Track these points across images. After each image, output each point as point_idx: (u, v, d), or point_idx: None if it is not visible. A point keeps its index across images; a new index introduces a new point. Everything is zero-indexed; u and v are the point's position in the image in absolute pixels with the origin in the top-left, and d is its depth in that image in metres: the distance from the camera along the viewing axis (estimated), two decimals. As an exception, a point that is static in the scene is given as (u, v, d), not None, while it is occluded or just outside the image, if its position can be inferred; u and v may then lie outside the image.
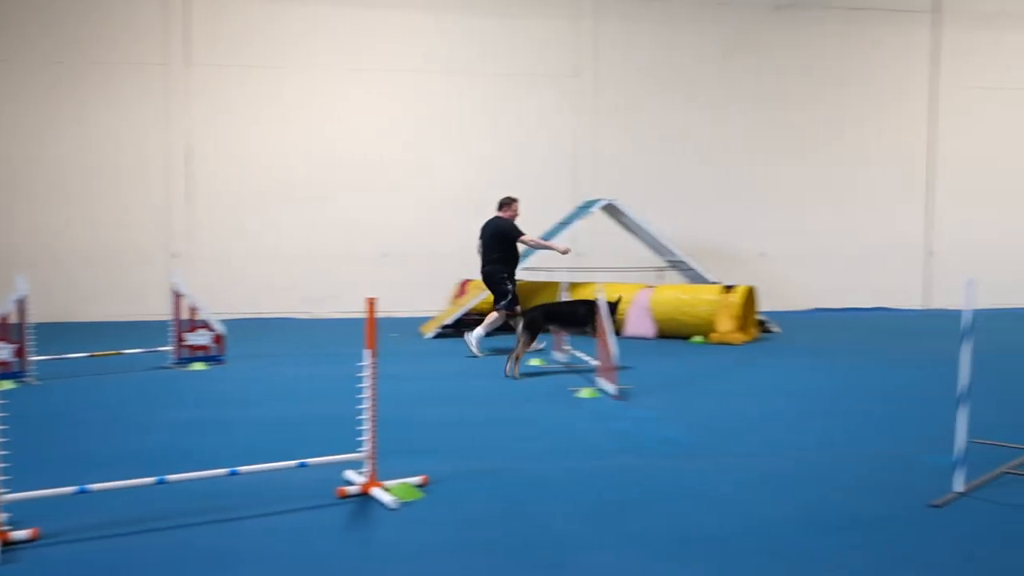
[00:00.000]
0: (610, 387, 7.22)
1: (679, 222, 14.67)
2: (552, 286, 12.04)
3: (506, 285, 9.86)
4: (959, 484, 4.46)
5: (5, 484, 3.77)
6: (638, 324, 11.37)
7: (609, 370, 7.29)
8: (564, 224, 12.26)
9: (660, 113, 15.36)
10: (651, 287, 11.66)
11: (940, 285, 16.19)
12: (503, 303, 9.82)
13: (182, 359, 8.96)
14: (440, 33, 14.73)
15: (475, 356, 9.72)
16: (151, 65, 13.96)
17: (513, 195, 10.31)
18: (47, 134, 13.83)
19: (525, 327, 8.57)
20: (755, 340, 11.19)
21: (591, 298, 8.58)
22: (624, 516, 4.18)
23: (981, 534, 3.91)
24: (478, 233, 10.24)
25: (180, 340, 8.98)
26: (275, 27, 14.30)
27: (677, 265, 12.81)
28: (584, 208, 12.43)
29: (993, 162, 16.35)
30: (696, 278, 12.46)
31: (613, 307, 8.73)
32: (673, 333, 11.26)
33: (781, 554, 3.67)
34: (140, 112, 14.01)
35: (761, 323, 11.84)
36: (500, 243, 9.98)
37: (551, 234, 12.06)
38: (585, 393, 7.27)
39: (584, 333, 8.69)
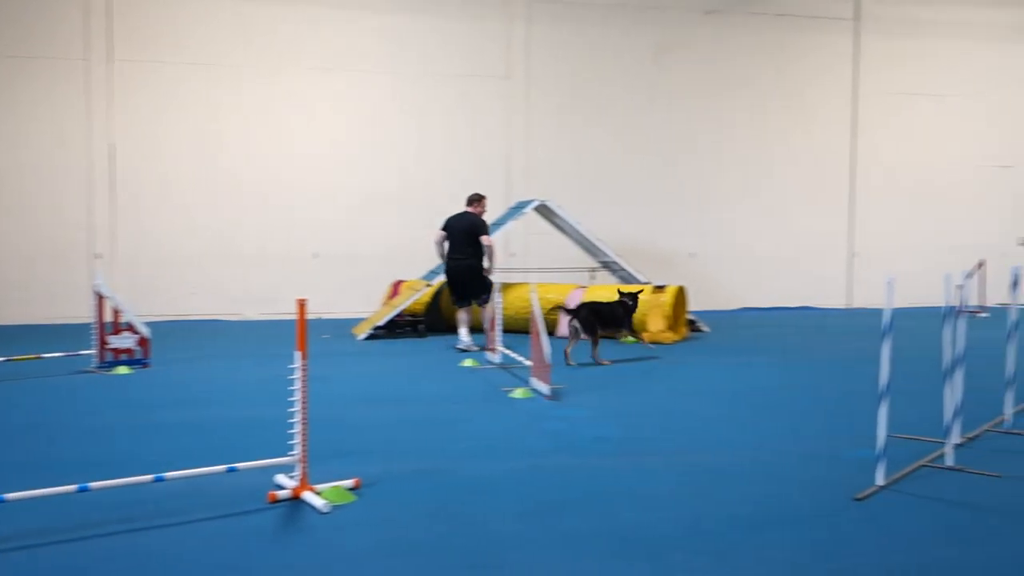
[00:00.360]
0: (543, 387, 7.25)
1: (611, 223, 14.82)
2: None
3: (487, 279, 10.22)
4: (880, 478, 4.60)
5: (-85, 495, 3.62)
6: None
7: (542, 370, 7.32)
8: (497, 225, 12.28)
9: (592, 115, 15.50)
10: (583, 287, 11.76)
11: (862, 284, 16.69)
12: (486, 296, 10.13)
13: (105, 363, 8.71)
14: (373, 33, 14.62)
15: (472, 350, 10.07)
16: (72, 60, 13.54)
17: (481, 192, 10.77)
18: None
19: (584, 326, 8.98)
20: (685, 339, 11.37)
21: (632, 292, 9.52)
22: (559, 515, 4.20)
23: (899, 526, 4.04)
24: (440, 225, 10.47)
25: (103, 343, 8.73)
26: (202, 24, 14.02)
27: (609, 265, 12.94)
28: (517, 209, 12.48)
29: (912, 165, 16.92)
30: (628, 278, 12.60)
31: (635, 299, 9.16)
32: (606, 333, 11.35)
33: (712, 551, 3.73)
34: (61, 108, 13.59)
35: (691, 322, 12.03)
36: (471, 238, 10.26)
37: (484, 235, 12.07)
38: (518, 393, 7.28)
39: (619, 333, 9.50)
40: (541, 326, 7.28)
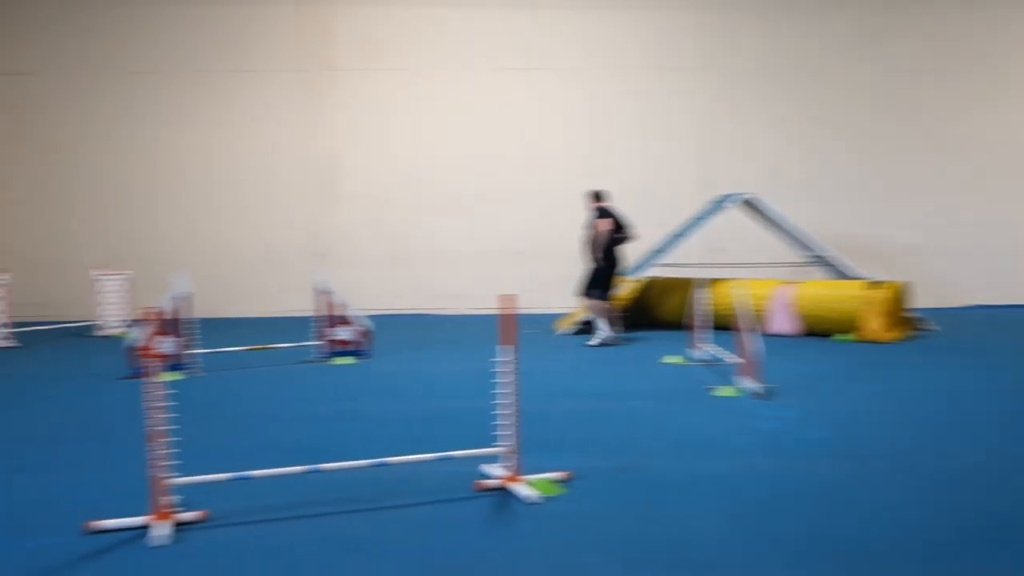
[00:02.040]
0: (751, 385, 7.05)
1: (821, 215, 14.15)
2: (689, 282, 11.86)
3: None
4: None
5: (174, 469, 4.03)
6: (780, 321, 11.05)
7: (750, 367, 7.12)
8: (699, 220, 12.05)
9: (796, 103, 14.83)
10: (793, 283, 11.31)
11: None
12: None
13: (329, 353, 9.33)
14: (568, 29, 14.73)
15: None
16: (290, 72, 14.56)
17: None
18: (190, 139, 14.65)
19: None
20: (907, 338, 10.67)
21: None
22: (767, 519, 4.08)
23: None
24: (594, 216, 10.59)
25: (326, 335, 9.35)
26: (406, 30, 14.65)
27: (821, 260, 12.37)
28: (719, 203, 12.18)
29: None
30: (841, 273, 11.99)
31: None
32: (817, 330, 10.89)
33: (937, 564, 3.49)
34: (281, 118, 14.64)
35: (914, 320, 11.28)
36: None
37: (685, 231, 11.89)
38: (725, 391, 7.12)
39: None
40: (748, 322, 7.08)
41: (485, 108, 14.79)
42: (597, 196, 10.77)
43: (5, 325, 10.93)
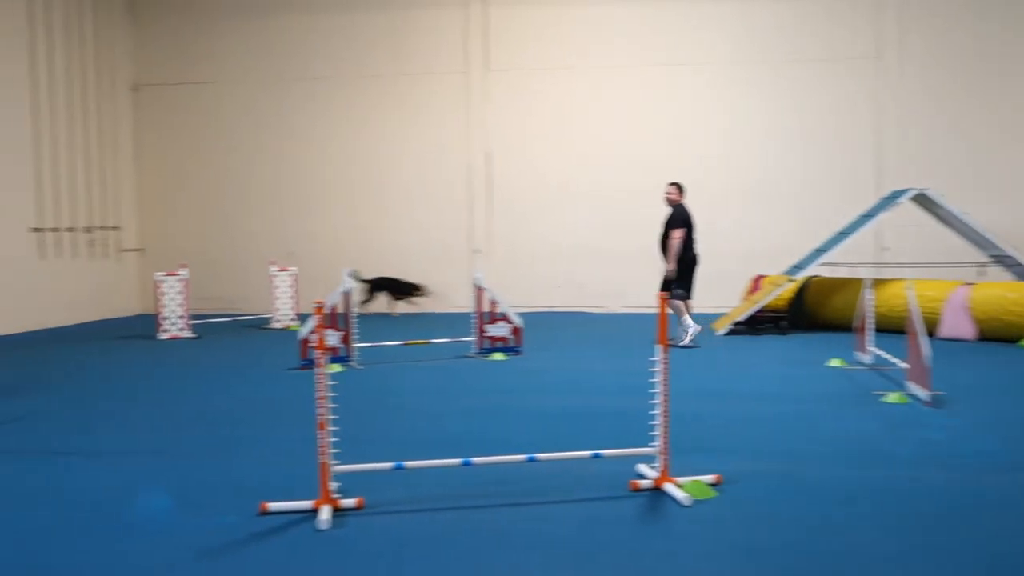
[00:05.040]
0: (921, 392, 6.67)
1: (1003, 213, 13.19)
2: (854, 283, 11.36)
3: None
4: None
5: (335, 457, 4.23)
6: (955, 324, 10.39)
7: (920, 373, 6.73)
8: (868, 216, 11.51)
9: (978, 93, 13.86)
10: (970, 284, 10.60)
11: None
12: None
13: (483, 349, 9.51)
14: (728, 22, 14.38)
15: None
16: (453, 73, 14.91)
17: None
18: (357, 140, 15.25)
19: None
20: (1100, 345, 9.81)
21: None
22: (931, 533, 3.85)
23: None
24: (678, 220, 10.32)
25: (482, 331, 9.53)
26: (558, 30, 14.71)
27: (1002, 260, 11.54)
28: (890, 199, 11.58)
29: None
30: (1023, 275, 11.15)
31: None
32: (998, 335, 10.16)
33: None
34: (443, 118, 15.02)
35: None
36: None
37: (853, 227, 11.37)
38: (892, 398, 6.77)
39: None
40: (919, 326, 6.70)
41: (643, 105, 14.65)
42: (681, 190, 10.34)
43: (184, 317, 11.76)
